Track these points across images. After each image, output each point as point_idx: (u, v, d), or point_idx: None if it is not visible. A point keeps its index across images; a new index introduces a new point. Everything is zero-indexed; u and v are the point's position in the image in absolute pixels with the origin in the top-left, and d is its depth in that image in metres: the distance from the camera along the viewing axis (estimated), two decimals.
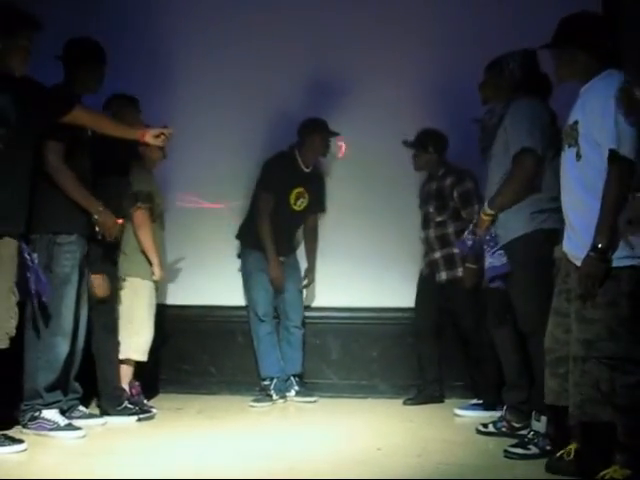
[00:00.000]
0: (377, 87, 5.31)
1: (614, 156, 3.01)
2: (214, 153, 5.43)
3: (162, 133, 4.22)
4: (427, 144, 4.98)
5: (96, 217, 4.12)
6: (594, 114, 3.07)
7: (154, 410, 4.70)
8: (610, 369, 3.02)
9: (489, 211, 3.83)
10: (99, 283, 4.38)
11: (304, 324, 5.29)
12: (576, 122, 3.15)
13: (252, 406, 5.00)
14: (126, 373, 4.71)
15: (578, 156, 3.13)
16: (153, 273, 4.78)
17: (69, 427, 4.03)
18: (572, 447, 3.26)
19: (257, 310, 5.19)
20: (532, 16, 4.84)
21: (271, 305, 5.24)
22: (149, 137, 4.21)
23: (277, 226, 5.17)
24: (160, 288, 5.17)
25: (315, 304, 5.33)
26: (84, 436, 4.00)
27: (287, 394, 5.17)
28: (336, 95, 5.36)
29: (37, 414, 4.00)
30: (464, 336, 4.93)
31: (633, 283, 3.03)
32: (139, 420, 4.49)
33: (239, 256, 5.30)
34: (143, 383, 4.81)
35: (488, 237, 3.85)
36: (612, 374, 3.02)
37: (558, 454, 3.33)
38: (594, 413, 3.06)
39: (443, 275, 4.93)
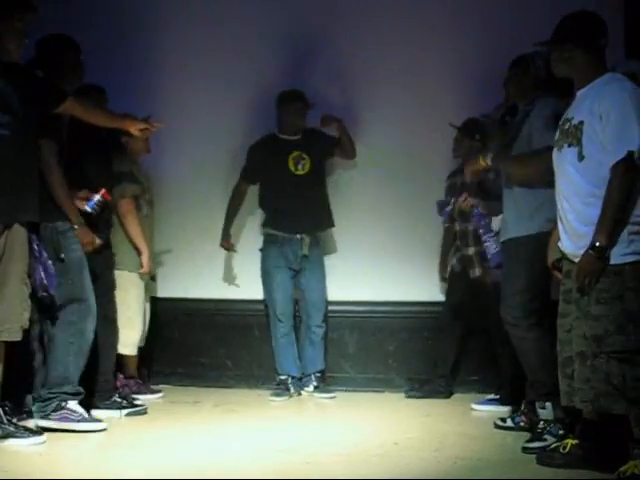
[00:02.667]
0: (395, 83, 5.29)
1: (630, 157, 3.04)
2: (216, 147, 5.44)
3: (147, 128, 4.23)
4: (475, 132, 4.85)
5: (76, 227, 4.04)
6: (606, 116, 3.08)
7: (149, 401, 4.69)
8: (620, 363, 3.06)
9: None
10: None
11: (325, 319, 5.26)
12: (581, 122, 3.17)
13: (272, 400, 4.99)
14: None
15: (580, 156, 3.16)
16: (141, 265, 4.71)
17: (92, 419, 4.01)
18: (569, 441, 3.32)
19: (275, 309, 5.16)
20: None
21: (290, 304, 5.20)
22: (134, 129, 4.22)
23: (281, 196, 5.11)
24: (177, 282, 5.17)
25: (331, 298, 5.30)
26: (106, 429, 3.98)
27: (305, 389, 5.15)
28: (354, 90, 5.35)
29: (64, 404, 3.92)
30: (490, 333, 4.85)
31: (637, 278, 3.09)
32: (128, 415, 4.38)
33: (261, 250, 5.25)
34: (159, 376, 4.83)
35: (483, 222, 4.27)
36: (622, 368, 3.06)
37: (553, 446, 3.39)
38: (608, 407, 3.10)
39: (477, 271, 4.83)
